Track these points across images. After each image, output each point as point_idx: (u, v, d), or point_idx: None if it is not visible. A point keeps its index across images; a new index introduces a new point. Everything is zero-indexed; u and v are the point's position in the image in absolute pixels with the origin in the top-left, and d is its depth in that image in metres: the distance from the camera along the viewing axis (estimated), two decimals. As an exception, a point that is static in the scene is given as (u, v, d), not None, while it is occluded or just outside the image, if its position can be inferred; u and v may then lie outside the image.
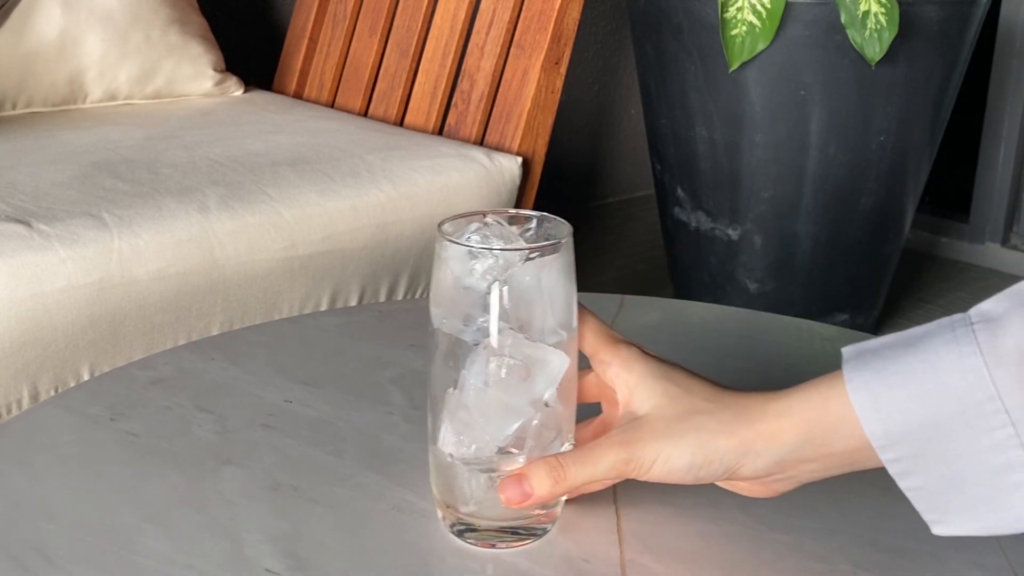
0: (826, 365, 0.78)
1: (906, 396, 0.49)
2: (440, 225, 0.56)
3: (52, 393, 1.06)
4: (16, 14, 1.53)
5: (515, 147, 1.49)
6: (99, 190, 1.19)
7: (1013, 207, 2.43)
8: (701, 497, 0.61)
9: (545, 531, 0.58)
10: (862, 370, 0.50)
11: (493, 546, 0.57)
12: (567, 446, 0.57)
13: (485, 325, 0.54)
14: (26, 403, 1.05)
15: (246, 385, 0.75)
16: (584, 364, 0.59)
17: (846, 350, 0.52)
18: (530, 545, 0.57)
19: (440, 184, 1.35)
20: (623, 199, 2.75)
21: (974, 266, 2.43)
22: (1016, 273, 2.38)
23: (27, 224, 1.08)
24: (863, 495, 0.62)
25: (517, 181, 1.44)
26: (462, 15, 1.59)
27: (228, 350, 0.81)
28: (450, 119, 1.59)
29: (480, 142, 1.54)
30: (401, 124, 1.66)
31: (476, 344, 0.55)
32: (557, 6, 1.47)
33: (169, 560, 0.55)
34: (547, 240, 0.56)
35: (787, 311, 1.48)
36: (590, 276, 2.23)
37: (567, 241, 0.56)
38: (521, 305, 0.54)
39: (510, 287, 0.54)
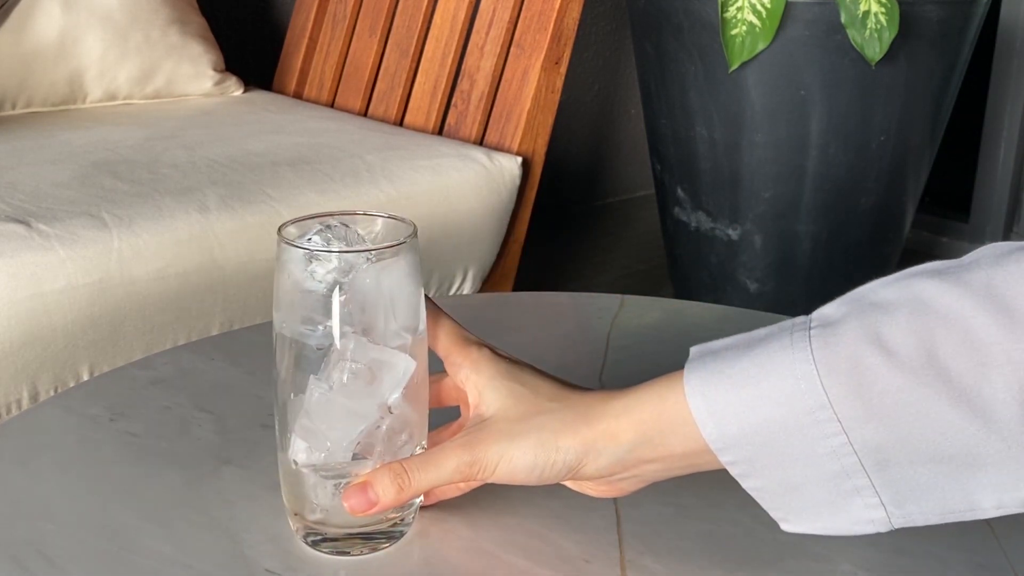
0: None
1: (739, 400, 0.48)
2: (281, 228, 0.55)
3: (52, 393, 1.06)
4: (16, 14, 1.53)
5: (515, 147, 1.49)
6: (99, 190, 1.19)
7: (1013, 207, 2.43)
8: (701, 497, 0.61)
9: (402, 534, 0.57)
10: (700, 371, 0.50)
11: (348, 554, 0.56)
12: (419, 450, 0.56)
13: (327, 329, 0.53)
14: (26, 403, 1.05)
15: (246, 385, 0.74)
16: (441, 367, 0.58)
17: (694, 349, 0.52)
18: (388, 549, 0.56)
19: (440, 184, 1.35)
20: (623, 199, 2.75)
21: (974, 266, 2.43)
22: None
23: (27, 224, 1.08)
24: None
25: (517, 181, 1.44)
26: (462, 15, 1.59)
27: (228, 350, 0.81)
28: (450, 119, 1.59)
29: (480, 142, 1.54)
30: (401, 124, 1.66)
31: (319, 348, 0.53)
32: (557, 6, 1.47)
33: (169, 560, 0.55)
34: (392, 242, 0.54)
35: (787, 311, 1.48)
36: (590, 276, 2.23)
37: (410, 242, 0.54)
38: (364, 308, 0.53)
39: (352, 290, 0.53)
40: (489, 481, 0.54)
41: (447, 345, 0.57)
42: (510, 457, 0.53)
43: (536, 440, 0.53)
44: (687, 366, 0.51)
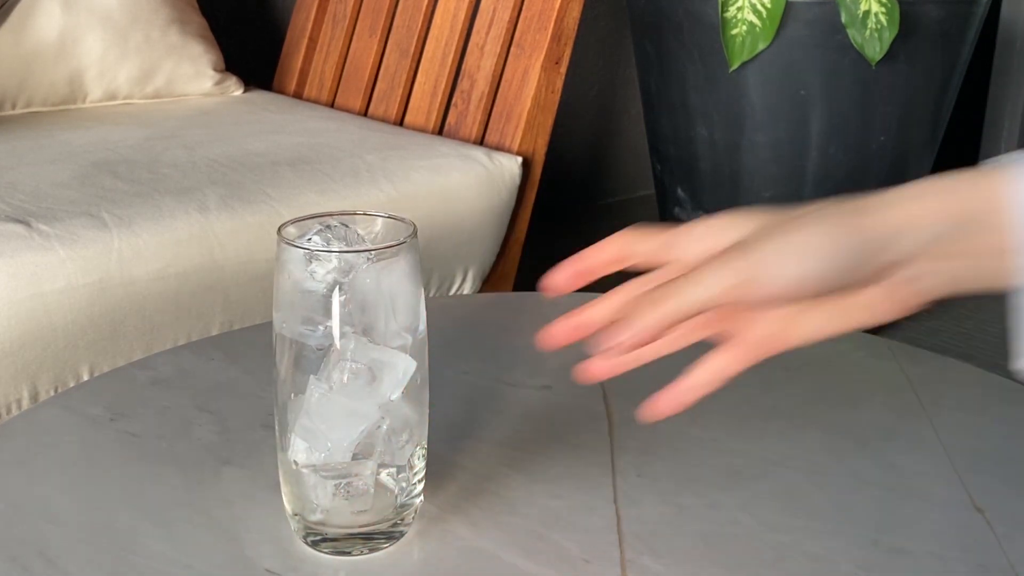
0: (825, 365, 0.78)
1: None
2: (281, 228, 0.54)
3: (52, 393, 1.06)
4: (16, 14, 1.53)
5: (515, 147, 1.49)
6: (99, 190, 1.19)
7: (1013, 207, 2.43)
8: (701, 497, 0.61)
9: (402, 534, 0.57)
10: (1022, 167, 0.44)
11: (348, 554, 0.56)
12: (419, 450, 0.56)
13: (327, 329, 0.53)
14: (26, 403, 1.05)
15: (246, 385, 0.74)
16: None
17: (1004, 157, 0.46)
18: (388, 549, 0.56)
19: (440, 184, 1.35)
20: (623, 199, 2.75)
21: (974, 266, 2.43)
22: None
23: (27, 224, 1.08)
24: (864, 495, 0.62)
25: (517, 181, 1.44)
26: (462, 15, 1.59)
27: (228, 350, 0.81)
28: (450, 119, 1.59)
29: (480, 142, 1.54)
30: (401, 124, 1.66)
31: (319, 349, 0.53)
32: (557, 6, 1.47)
33: (169, 560, 0.55)
34: (392, 242, 0.54)
35: (787, 311, 1.48)
36: (590, 276, 2.23)
37: (410, 242, 0.54)
38: (364, 308, 0.53)
39: (352, 290, 0.53)
40: (761, 296, 0.46)
41: (647, 243, 0.53)
42: (795, 245, 0.45)
43: (825, 227, 0.45)
44: (1000, 163, 0.45)
